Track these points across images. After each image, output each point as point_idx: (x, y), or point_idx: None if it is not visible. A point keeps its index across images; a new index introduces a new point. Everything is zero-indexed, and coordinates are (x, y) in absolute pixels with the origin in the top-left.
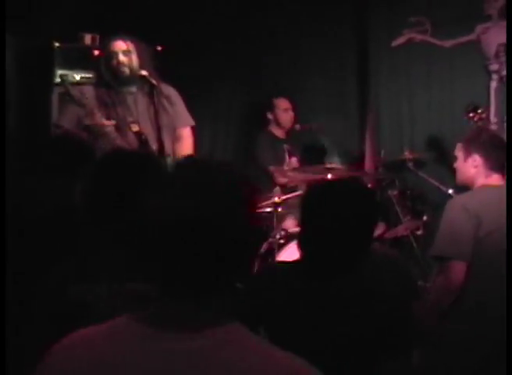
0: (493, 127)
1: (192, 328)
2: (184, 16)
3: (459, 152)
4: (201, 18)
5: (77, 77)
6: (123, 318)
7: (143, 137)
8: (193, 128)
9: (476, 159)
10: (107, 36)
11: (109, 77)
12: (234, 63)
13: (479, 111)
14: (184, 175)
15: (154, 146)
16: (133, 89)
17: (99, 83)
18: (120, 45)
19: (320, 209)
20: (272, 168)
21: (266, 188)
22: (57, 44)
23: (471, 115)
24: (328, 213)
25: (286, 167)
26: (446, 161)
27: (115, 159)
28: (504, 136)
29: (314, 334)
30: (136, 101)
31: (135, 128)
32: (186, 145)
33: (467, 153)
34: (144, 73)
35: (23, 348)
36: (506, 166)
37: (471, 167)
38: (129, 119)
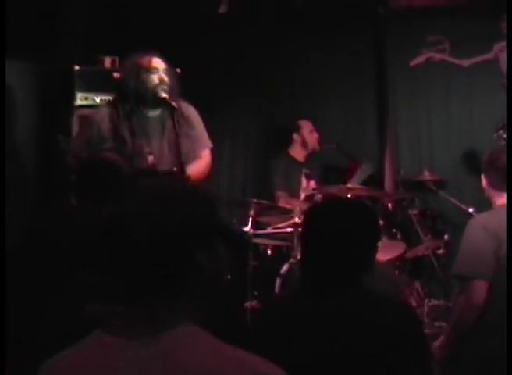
0: None
1: (152, 333)
2: (203, 38)
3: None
4: (220, 41)
5: (97, 100)
6: (95, 332)
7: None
8: (212, 150)
9: (483, 180)
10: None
11: (138, 98)
12: (252, 87)
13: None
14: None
15: (175, 168)
16: (158, 112)
17: (117, 107)
18: (160, 63)
19: (319, 229)
20: (278, 193)
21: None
22: (77, 68)
23: (500, 132)
24: (328, 232)
25: (302, 192)
26: (466, 180)
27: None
28: None
29: (320, 353)
30: (157, 125)
31: (150, 160)
32: (201, 165)
33: (487, 174)
34: (164, 95)
35: (31, 365)
36: (507, 169)
37: (490, 188)
38: (146, 149)
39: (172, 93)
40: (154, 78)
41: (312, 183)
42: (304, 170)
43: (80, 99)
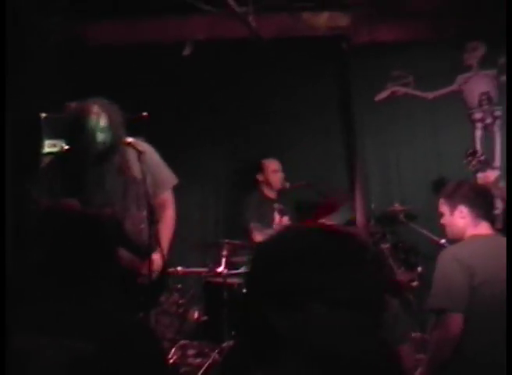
0: (489, 171)
1: None
2: (169, 81)
3: (443, 207)
4: (187, 83)
5: (66, 147)
6: None
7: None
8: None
9: (462, 211)
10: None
11: (84, 150)
12: (220, 128)
13: (477, 155)
14: None
15: (144, 212)
16: (110, 160)
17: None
18: (101, 108)
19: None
20: (252, 225)
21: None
22: (44, 115)
23: (469, 159)
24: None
25: (275, 227)
26: (436, 211)
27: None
28: (495, 180)
29: None
30: (112, 173)
31: (108, 209)
32: (169, 213)
33: (453, 206)
34: (129, 140)
35: None
36: (506, 173)
37: (459, 219)
38: (103, 198)
39: (119, 136)
40: (96, 125)
41: (285, 219)
42: (277, 206)
43: (48, 146)
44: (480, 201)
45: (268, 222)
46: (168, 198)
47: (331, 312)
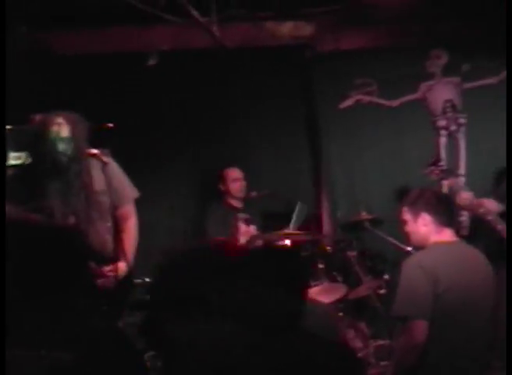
0: (452, 180)
1: None
2: (135, 92)
3: (406, 215)
4: (150, 93)
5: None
6: None
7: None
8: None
9: (425, 218)
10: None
11: (43, 161)
12: (186, 137)
13: (440, 164)
14: None
15: (108, 223)
16: (72, 170)
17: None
18: (65, 120)
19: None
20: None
21: None
22: (8, 127)
23: (432, 168)
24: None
25: (240, 237)
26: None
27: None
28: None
29: None
30: (74, 183)
31: (71, 220)
32: (131, 224)
33: (415, 214)
34: (94, 151)
35: None
36: (507, 172)
37: (422, 226)
38: (66, 210)
39: (81, 148)
40: (56, 135)
41: (252, 229)
42: (242, 216)
43: (13, 159)
44: (442, 209)
45: (233, 232)
46: (130, 210)
47: (220, 323)
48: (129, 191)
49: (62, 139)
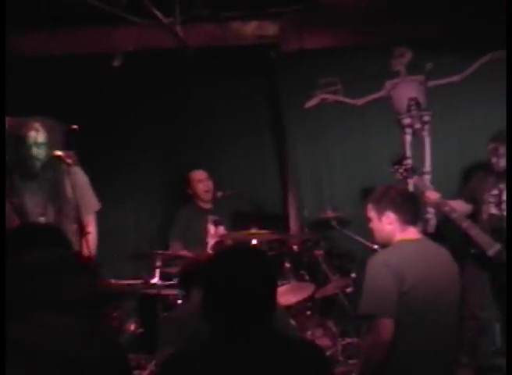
0: (416, 178)
1: None
2: (100, 93)
3: (371, 213)
4: (115, 94)
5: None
6: None
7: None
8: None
9: (390, 216)
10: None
11: (18, 164)
12: (151, 139)
13: (404, 162)
14: None
15: (74, 225)
16: (48, 174)
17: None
18: (37, 125)
19: (218, 279)
20: (171, 244)
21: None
22: None
23: (396, 167)
24: (226, 282)
25: (210, 239)
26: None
27: None
28: (423, 186)
29: None
30: (44, 186)
31: (41, 220)
32: (92, 234)
33: (380, 212)
34: (58, 153)
35: None
36: (507, 169)
37: (386, 224)
38: (37, 211)
39: (50, 150)
40: (33, 141)
41: (221, 229)
42: (211, 217)
43: None
44: (407, 207)
45: (200, 235)
46: (91, 220)
47: (56, 317)
48: (92, 202)
49: (38, 145)
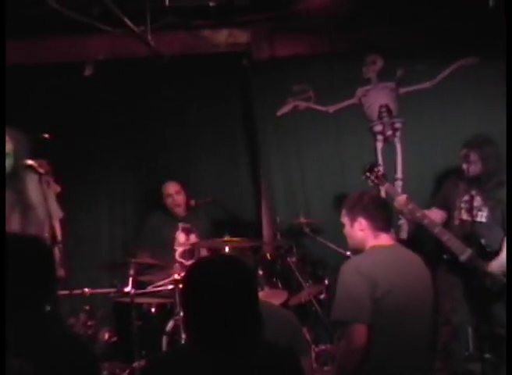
0: (388, 185)
1: None
2: (70, 102)
3: (344, 218)
4: (86, 103)
5: None
6: None
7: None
8: (61, 220)
9: (362, 223)
10: None
11: None
12: (125, 148)
13: (375, 170)
14: None
15: (46, 234)
16: (14, 184)
17: None
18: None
19: (202, 288)
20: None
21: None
22: None
23: (367, 174)
24: (208, 290)
25: (179, 247)
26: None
27: None
28: (394, 193)
29: None
30: (12, 198)
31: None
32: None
33: (352, 218)
34: (30, 162)
35: None
36: (507, 172)
37: (358, 231)
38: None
39: (21, 163)
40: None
41: (193, 237)
42: (182, 225)
43: None
44: (379, 213)
45: (169, 243)
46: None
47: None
48: (56, 209)
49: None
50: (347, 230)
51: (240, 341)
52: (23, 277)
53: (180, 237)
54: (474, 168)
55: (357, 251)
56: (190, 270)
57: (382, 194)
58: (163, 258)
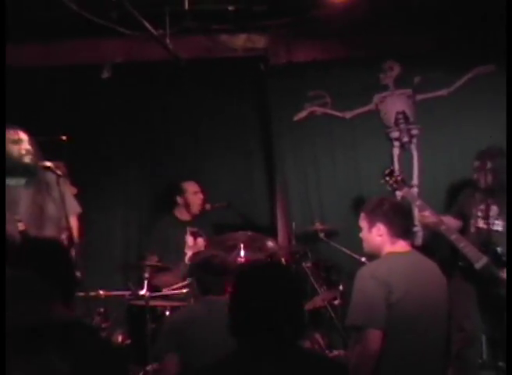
0: (406, 190)
1: None
2: (90, 105)
3: (363, 222)
4: (107, 106)
5: None
6: None
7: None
8: (79, 215)
9: (380, 228)
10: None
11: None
12: (142, 150)
13: (395, 174)
14: None
15: (63, 235)
16: (22, 181)
17: None
18: (23, 134)
19: (254, 294)
20: (146, 255)
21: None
22: None
23: (387, 178)
24: (260, 297)
25: (188, 250)
26: (356, 229)
27: None
28: (412, 198)
29: None
30: (25, 192)
31: (20, 226)
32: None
33: (371, 223)
34: (48, 164)
35: None
36: (507, 173)
37: (376, 236)
38: (15, 217)
39: (38, 162)
40: (21, 149)
41: (200, 241)
42: (190, 229)
43: None
44: (398, 220)
45: (178, 246)
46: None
47: None
48: (74, 205)
49: (24, 153)
50: (365, 234)
51: (290, 348)
52: (46, 279)
53: (189, 240)
54: (486, 179)
55: (372, 255)
56: (241, 275)
57: (398, 199)
58: (172, 261)
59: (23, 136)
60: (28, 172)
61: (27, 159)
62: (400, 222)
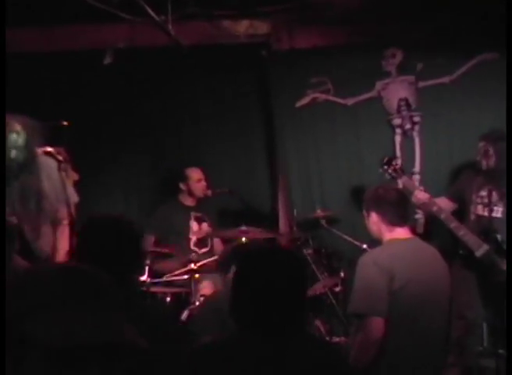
0: (405, 178)
1: None
2: (89, 90)
3: (363, 210)
4: (108, 91)
5: None
6: None
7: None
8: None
9: (373, 217)
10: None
11: None
12: (143, 136)
13: (393, 163)
14: None
15: (65, 221)
16: (25, 175)
17: None
18: (15, 127)
19: (256, 277)
20: (146, 237)
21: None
22: None
23: (385, 167)
24: (264, 280)
25: (193, 235)
26: (357, 216)
27: None
28: (411, 186)
29: None
30: (23, 189)
31: (14, 220)
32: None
33: (366, 211)
34: (49, 149)
35: None
36: (507, 172)
37: (371, 224)
38: (7, 209)
39: (33, 155)
40: (14, 143)
41: (204, 226)
42: (194, 214)
43: None
44: (392, 209)
45: (182, 230)
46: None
47: None
48: (72, 193)
49: (17, 147)
50: (366, 222)
51: (289, 329)
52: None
53: (194, 226)
54: (488, 161)
55: (377, 242)
56: (244, 259)
57: (399, 187)
58: (175, 246)
59: (21, 128)
60: (22, 166)
61: (21, 154)
62: (394, 210)
